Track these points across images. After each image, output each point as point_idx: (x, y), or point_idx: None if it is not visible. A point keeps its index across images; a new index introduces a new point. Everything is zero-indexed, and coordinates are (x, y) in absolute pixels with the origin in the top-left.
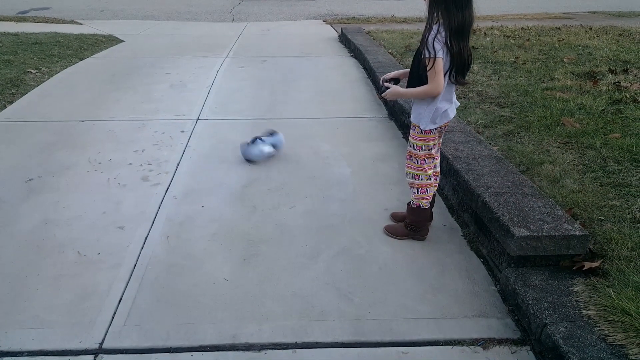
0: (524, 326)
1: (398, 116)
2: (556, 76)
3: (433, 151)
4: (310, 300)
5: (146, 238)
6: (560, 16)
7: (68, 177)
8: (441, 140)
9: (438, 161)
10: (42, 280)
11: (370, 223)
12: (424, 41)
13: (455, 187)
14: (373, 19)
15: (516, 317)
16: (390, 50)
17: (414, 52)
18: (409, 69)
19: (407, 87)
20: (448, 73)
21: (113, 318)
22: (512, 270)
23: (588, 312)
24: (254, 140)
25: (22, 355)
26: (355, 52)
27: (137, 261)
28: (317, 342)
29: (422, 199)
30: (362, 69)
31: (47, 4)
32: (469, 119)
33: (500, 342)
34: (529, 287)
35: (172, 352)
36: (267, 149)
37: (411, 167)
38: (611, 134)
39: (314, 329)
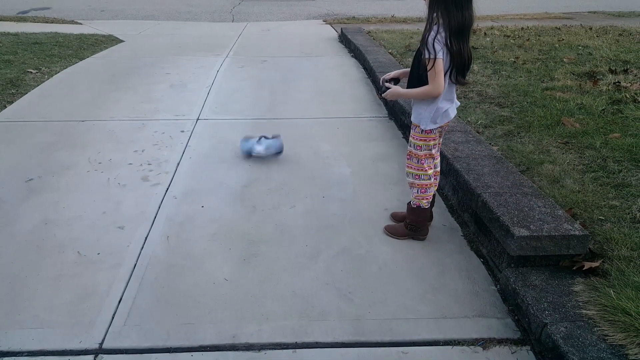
0: (524, 326)
1: (398, 116)
2: (556, 76)
3: (433, 151)
4: (310, 300)
5: (146, 238)
6: (560, 16)
7: (68, 177)
8: (441, 140)
9: (438, 161)
10: (42, 280)
11: (370, 223)
12: (424, 42)
13: (455, 187)
14: (373, 19)
15: (516, 317)
16: (390, 50)
17: (414, 52)
18: (409, 69)
19: (407, 88)
20: (448, 73)
21: (113, 318)
22: (512, 270)
23: (588, 312)
24: (258, 140)
25: (22, 355)
26: (355, 52)
27: (137, 261)
28: (317, 342)
29: (423, 199)
30: (362, 69)
31: (47, 4)
32: (469, 119)
33: (500, 342)
34: (529, 287)
35: (172, 352)
36: (258, 148)
37: (411, 167)
38: (611, 134)
39: (314, 329)
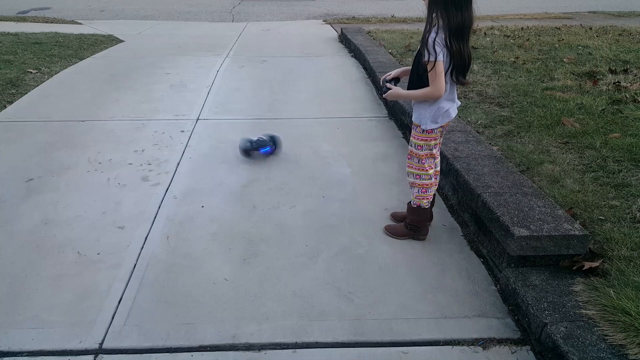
0: (524, 326)
1: (398, 116)
2: (556, 76)
3: (434, 151)
4: (310, 300)
5: (146, 238)
6: (560, 16)
7: (68, 177)
8: (442, 139)
9: (438, 160)
10: (42, 280)
11: (370, 223)
12: (424, 43)
13: (455, 187)
14: (373, 19)
15: (516, 317)
16: (390, 50)
17: (414, 53)
18: (409, 67)
19: (407, 88)
20: (449, 73)
21: (113, 318)
22: (512, 270)
23: (588, 312)
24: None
25: (22, 355)
26: (355, 52)
27: (137, 261)
28: (317, 342)
29: (423, 199)
30: (362, 69)
31: (47, 4)
32: (469, 119)
33: (500, 342)
34: (529, 287)
35: (172, 352)
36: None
37: (412, 167)
38: (611, 134)
39: (314, 329)
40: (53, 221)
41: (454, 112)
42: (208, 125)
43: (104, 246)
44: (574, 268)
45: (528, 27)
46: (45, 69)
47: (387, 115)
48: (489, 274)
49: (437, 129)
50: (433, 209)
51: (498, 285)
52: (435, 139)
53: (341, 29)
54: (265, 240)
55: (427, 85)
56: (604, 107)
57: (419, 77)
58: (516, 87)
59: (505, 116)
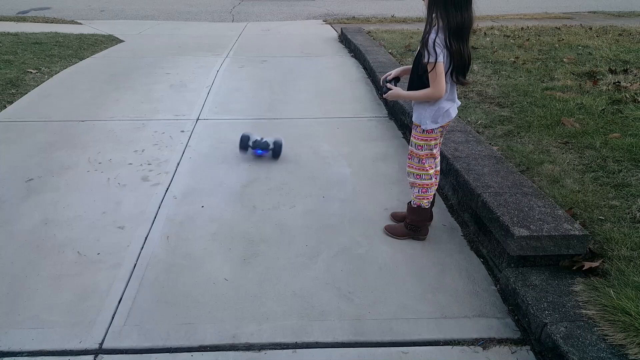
0: (524, 326)
1: (398, 116)
2: (556, 76)
3: (434, 151)
4: (310, 300)
5: (146, 238)
6: (560, 16)
7: (68, 177)
8: (442, 139)
9: (438, 160)
10: (42, 280)
11: (370, 223)
12: (424, 44)
13: (455, 187)
14: (373, 19)
15: (516, 317)
16: (390, 50)
17: (414, 53)
18: (408, 66)
19: (408, 89)
20: (448, 73)
21: (113, 318)
22: (512, 270)
23: (588, 312)
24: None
25: (22, 355)
26: (355, 52)
27: (137, 261)
28: (317, 342)
29: (423, 199)
30: (362, 69)
31: (47, 4)
32: (469, 119)
33: (500, 342)
34: (529, 287)
35: (172, 352)
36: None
37: (413, 167)
38: (611, 134)
39: (314, 329)
40: (53, 221)
41: (454, 112)
42: (208, 125)
43: (104, 246)
44: (574, 268)
45: (528, 27)
46: (45, 69)
47: (387, 115)
48: (489, 274)
49: (437, 129)
50: (433, 209)
51: (498, 285)
52: (435, 139)
53: (341, 29)
54: (265, 240)
55: (427, 85)
56: (604, 107)
57: (419, 78)
58: (516, 87)
59: (505, 116)
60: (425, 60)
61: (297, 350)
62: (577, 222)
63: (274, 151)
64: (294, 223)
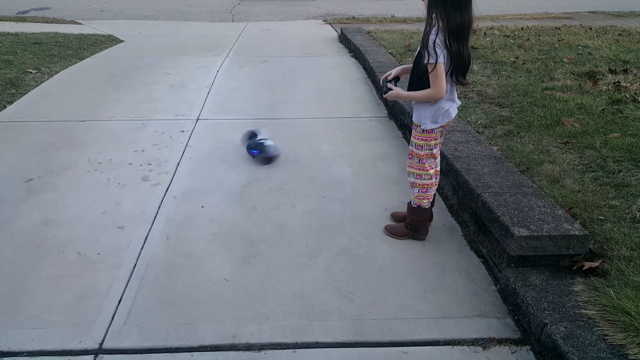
0: (524, 326)
1: (398, 116)
2: (556, 76)
3: (435, 150)
4: (310, 300)
5: (146, 238)
6: (560, 16)
7: (68, 177)
8: (442, 139)
9: (438, 160)
10: (42, 280)
11: (370, 223)
12: (424, 45)
13: (455, 186)
14: (373, 19)
15: (516, 317)
16: (390, 50)
17: (414, 53)
18: (408, 65)
19: (408, 89)
20: (448, 73)
21: (113, 318)
22: (512, 270)
23: (588, 312)
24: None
25: (22, 355)
26: (355, 52)
27: (137, 261)
28: (317, 342)
29: (423, 199)
30: (362, 69)
31: (47, 4)
32: (469, 119)
33: (500, 342)
34: (529, 287)
35: (172, 352)
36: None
37: (413, 167)
38: (611, 134)
39: (314, 329)
40: (53, 221)
41: (454, 112)
42: (208, 125)
43: (104, 246)
44: (574, 268)
45: (528, 27)
46: (45, 69)
47: (387, 115)
48: (489, 274)
49: (437, 128)
50: (433, 209)
51: (498, 285)
52: (435, 139)
53: (341, 29)
54: (265, 240)
55: (427, 86)
56: (604, 107)
57: (419, 78)
58: (516, 87)
59: (505, 116)
60: (426, 61)
61: (297, 350)
62: (577, 222)
63: (264, 158)
64: (294, 223)
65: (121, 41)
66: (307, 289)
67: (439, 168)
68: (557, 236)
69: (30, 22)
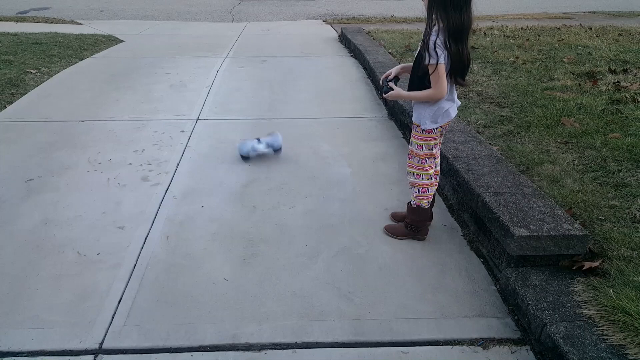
0: (524, 326)
1: (398, 116)
2: (556, 76)
3: (434, 150)
4: (310, 300)
5: (146, 238)
6: (560, 16)
7: (68, 177)
8: (442, 139)
9: (438, 160)
10: (42, 280)
11: (370, 223)
12: (425, 46)
13: (455, 186)
14: (373, 19)
15: (516, 317)
16: (390, 50)
17: (414, 53)
18: (408, 64)
19: (408, 89)
20: (448, 73)
21: (113, 318)
22: (512, 270)
23: (588, 311)
24: (258, 141)
25: (22, 355)
26: (355, 52)
27: (137, 261)
28: (317, 342)
29: (423, 199)
30: (362, 69)
31: (47, 4)
32: (469, 119)
33: (500, 341)
34: (528, 287)
35: (172, 352)
36: (260, 147)
37: (412, 167)
38: (611, 134)
39: (314, 329)
40: (53, 221)
41: (453, 112)
42: (208, 125)
43: (104, 246)
44: (574, 268)
45: (528, 27)
46: (45, 69)
47: (387, 115)
48: (489, 274)
49: (436, 128)
50: (433, 209)
51: (498, 285)
52: (435, 139)
53: (341, 29)
54: (265, 240)
55: (427, 86)
56: (603, 107)
57: (419, 79)
58: (516, 87)
59: (505, 116)
60: (427, 62)
61: (297, 350)
62: (577, 222)
63: (270, 134)
64: (294, 223)
65: (121, 41)
66: (307, 289)
67: (438, 168)
68: (557, 236)
69: (30, 22)
